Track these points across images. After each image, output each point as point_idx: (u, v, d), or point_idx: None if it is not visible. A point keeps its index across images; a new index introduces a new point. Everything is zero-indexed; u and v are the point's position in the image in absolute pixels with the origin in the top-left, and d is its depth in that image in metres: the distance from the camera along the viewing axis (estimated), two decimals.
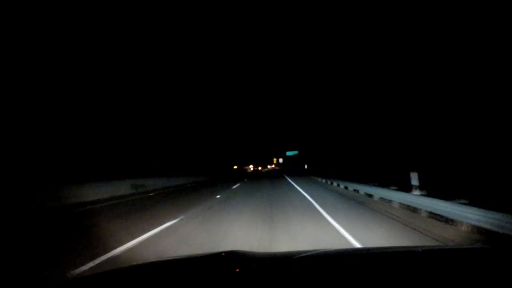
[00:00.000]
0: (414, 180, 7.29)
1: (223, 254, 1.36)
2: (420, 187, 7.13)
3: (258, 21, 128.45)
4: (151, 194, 12.48)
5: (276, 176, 28.60)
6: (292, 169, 51.85)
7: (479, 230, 4.08)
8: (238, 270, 1.09)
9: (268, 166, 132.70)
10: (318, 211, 6.59)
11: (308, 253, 1.31)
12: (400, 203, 6.72)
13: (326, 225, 5.03)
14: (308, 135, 57.04)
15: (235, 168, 62.35)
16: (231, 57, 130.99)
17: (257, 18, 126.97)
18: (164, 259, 1.53)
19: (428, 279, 0.89)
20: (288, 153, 64.37)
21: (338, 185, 13.93)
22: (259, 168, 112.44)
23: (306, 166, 22.99)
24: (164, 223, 5.52)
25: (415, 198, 6.39)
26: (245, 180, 24.12)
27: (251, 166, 75.60)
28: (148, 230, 4.87)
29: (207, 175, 29.29)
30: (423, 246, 2.87)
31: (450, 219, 4.81)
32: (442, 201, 5.52)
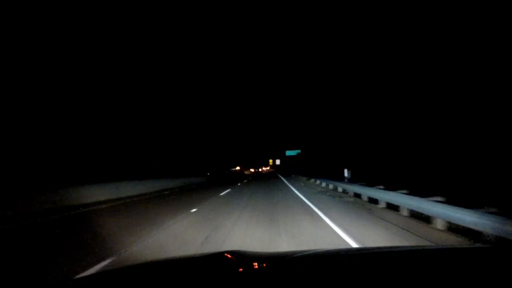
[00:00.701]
0: None
1: (223, 253, 1.32)
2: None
3: (258, 16, 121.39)
4: None
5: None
6: (292, 171, 41.80)
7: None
8: (237, 270, 1.09)
9: (264, 168, 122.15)
10: None
11: (307, 253, 1.37)
12: None
13: None
14: (316, 129, 46.98)
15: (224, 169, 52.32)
16: (229, 48, 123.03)
17: (257, 14, 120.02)
18: (164, 259, 1.58)
19: (427, 279, 0.86)
20: (288, 153, 53.59)
21: None
22: (260, 169, 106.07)
23: (346, 172, 12.12)
24: None
25: None
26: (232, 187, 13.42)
27: (238, 168, 66.42)
28: None
29: (192, 176, 25.51)
30: (422, 246, 3.20)
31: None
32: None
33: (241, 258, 1.24)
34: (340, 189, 13.04)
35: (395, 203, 7.20)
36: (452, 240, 4.57)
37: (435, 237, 4.72)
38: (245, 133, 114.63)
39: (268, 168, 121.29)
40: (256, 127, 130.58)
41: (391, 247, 2.26)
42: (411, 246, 2.97)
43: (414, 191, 7.68)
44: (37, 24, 21.54)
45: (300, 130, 57.52)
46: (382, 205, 8.35)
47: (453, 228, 5.09)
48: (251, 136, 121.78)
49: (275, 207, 8.28)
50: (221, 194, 12.69)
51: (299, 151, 52.22)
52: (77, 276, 1.41)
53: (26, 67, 19.83)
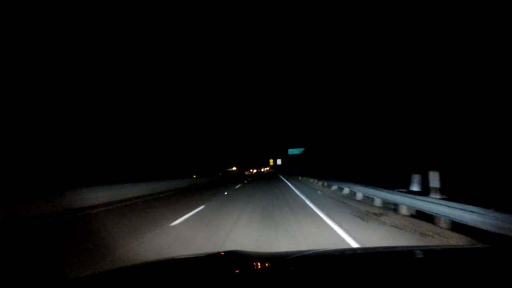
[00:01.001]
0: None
1: (223, 253, 1.33)
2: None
3: (260, 10, 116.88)
4: None
5: None
6: (296, 171, 35.54)
7: None
8: (237, 270, 1.07)
9: (264, 169, 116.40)
10: None
11: (307, 253, 1.33)
12: None
13: None
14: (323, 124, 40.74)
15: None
16: (229, 44, 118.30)
17: (260, 9, 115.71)
18: (164, 259, 1.55)
19: (427, 279, 0.85)
20: (291, 151, 47.18)
21: None
22: (263, 169, 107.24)
23: (434, 179, 6.11)
24: None
25: None
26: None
27: (234, 168, 62.55)
28: None
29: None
30: (421, 246, 3.12)
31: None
32: None
33: (241, 258, 1.23)
34: (414, 210, 6.76)
35: None
36: None
37: None
38: (243, 130, 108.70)
39: (267, 168, 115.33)
40: (256, 124, 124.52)
41: (391, 247, 2.21)
42: (411, 246, 2.99)
43: None
44: (37, 24, 21.03)
45: (304, 126, 51.29)
46: None
47: None
48: (250, 134, 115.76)
49: None
50: (175, 223, 6.40)
51: (303, 149, 45.90)
52: (77, 276, 1.14)
53: (26, 68, 19.43)
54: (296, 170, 41.92)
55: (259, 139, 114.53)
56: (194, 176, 26.66)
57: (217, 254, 1.37)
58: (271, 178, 31.97)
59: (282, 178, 31.45)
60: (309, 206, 8.54)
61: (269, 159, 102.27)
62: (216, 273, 1.03)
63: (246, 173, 66.83)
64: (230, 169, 54.12)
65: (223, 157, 61.03)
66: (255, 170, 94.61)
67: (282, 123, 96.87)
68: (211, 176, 32.70)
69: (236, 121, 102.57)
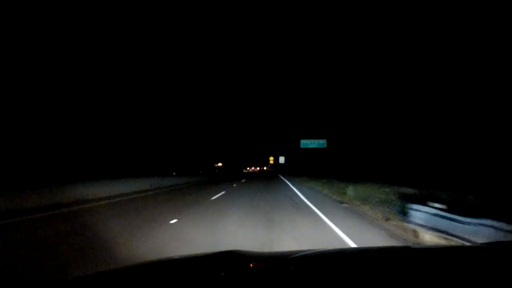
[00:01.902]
0: None
1: (223, 253, 1.32)
2: None
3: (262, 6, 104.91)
4: None
5: None
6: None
7: None
8: (237, 270, 1.05)
9: (265, 168, 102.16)
10: None
11: (307, 253, 1.31)
12: None
13: None
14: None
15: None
16: (230, 33, 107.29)
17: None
18: (163, 258, 1.51)
19: (426, 278, 0.84)
20: (305, 144, 32.92)
21: None
22: (265, 168, 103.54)
23: None
24: None
25: None
26: None
27: (220, 164, 55.48)
28: None
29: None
30: (421, 246, 3.12)
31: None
32: None
33: (241, 258, 1.21)
34: None
35: None
36: None
37: None
38: (242, 125, 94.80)
39: (264, 168, 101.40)
40: (256, 117, 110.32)
41: (391, 247, 2.18)
42: (411, 246, 2.96)
43: None
44: (39, 24, 21.22)
45: (324, 109, 37.06)
46: None
47: None
48: (249, 129, 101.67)
49: None
50: None
51: (324, 141, 31.70)
52: (77, 276, 1.24)
53: (29, 68, 19.36)
54: (314, 170, 27.98)
55: (259, 137, 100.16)
56: None
57: (217, 254, 1.28)
58: (276, 189, 17.81)
59: (297, 191, 17.03)
60: None
61: (269, 157, 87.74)
62: (215, 273, 1.01)
63: (245, 171, 62.41)
64: (216, 165, 45.16)
65: (211, 153, 50.21)
66: (250, 169, 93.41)
67: (290, 109, 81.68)
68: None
69: (234, 115, 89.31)
